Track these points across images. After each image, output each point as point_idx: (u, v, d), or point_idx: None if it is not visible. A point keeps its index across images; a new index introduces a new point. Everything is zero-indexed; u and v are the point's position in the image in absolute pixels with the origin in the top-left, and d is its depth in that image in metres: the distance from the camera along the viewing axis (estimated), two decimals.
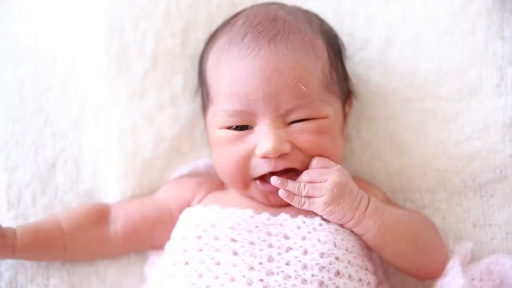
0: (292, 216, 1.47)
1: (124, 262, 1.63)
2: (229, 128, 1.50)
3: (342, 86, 1.58)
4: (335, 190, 1.43)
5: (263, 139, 1.45)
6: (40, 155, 1.64)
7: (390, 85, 1.67)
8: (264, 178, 1.49)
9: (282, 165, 1.47)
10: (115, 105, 1.66)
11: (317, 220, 1.46)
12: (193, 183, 1.62)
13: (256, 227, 1.46)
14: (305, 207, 1.44)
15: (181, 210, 1.58)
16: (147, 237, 1.59)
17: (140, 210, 1.60)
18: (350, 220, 1.45)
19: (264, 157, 1.45)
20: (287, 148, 1.45)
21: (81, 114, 1.67)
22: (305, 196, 1.44)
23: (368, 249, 1.51)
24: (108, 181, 1.65)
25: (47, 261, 1.57)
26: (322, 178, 1.45)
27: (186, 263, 1.45)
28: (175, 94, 1.68)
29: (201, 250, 1.45)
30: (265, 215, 1.48)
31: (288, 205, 1.47)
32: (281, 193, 1.44)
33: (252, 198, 1.52)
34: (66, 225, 1.55)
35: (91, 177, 1.66)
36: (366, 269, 1.48)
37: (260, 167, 1.48)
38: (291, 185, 1.45)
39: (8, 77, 1.68)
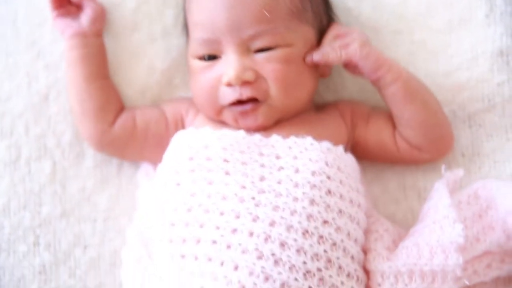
0: (283, 137, 1.49)
1: (116, 188, 1.65)
2: (201, 58, 1.54)
3: (319, 15, 1.59)
4: (364, 36, 1.53)
5: (227, 67, 1.49)
6: (33, 87, 1.66)
7: (381, 17, 1.68)
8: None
9: (247, 93, 1.49)
10: (107, 36, 1.67)
11: (309, 139, 1.48)
12: (187, 100, 1.65)
13: (248, 147, 1.48)
14: (343, 57, 1.52)
15: (175, 119, 1.61)
16: (141, 134, 1.61)
17: (139, 107, 1.64)
18: (384, 63, 1.53)
19: (229, 84, 1.48)
20: (249, 75, 1.48)
21: None
22: (339, 48, 1.52)
23: (360, 172, 1.54)
24: None
25: None
26: (347, 33, 1.54)
27: (178, 184, 1.47)
28: (167, 28, 1.69)
29: (193, 170, 1.47)
30: (257, 136, 1.50)
31: (260, 130, 1.51)
32: (315, 57, 1.52)
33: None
34: None
35: None
36: (358, 190, 1.50)
37: (227, 95, 1.51)
38: (322, 49, 1.53)
39: (2, 10, 1.69)
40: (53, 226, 1.61)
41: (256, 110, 1.51)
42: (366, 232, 1.51)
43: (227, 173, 1.45)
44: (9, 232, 1.60)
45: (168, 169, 1.51)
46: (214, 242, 1.40)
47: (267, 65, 1.50)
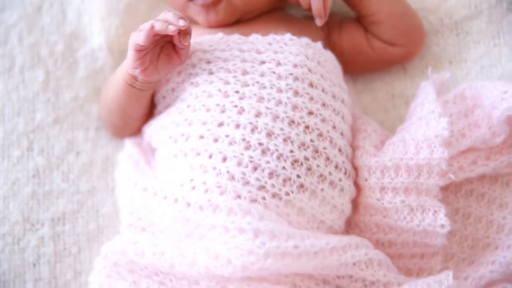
0: (262, 35, 1.51)
1: None
2: None
3: None
4: None
5: None
6: None
7: None
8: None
9: None
10: None
11: (288, 35, 1.51)
12: None
13: (228, 45, 1.51)
14: None
15: None
16: None
17: None
18: None
19: None
20: None
21: None
22: None
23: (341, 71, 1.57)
24: (93, 21, 1.69)
25: None
26: None
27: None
28: None
29: (179, 73, 1.51)
30: (236, 35, 1.52)
31: (228, 26, 1.55)
32: None
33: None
34: None
35: (76, 18, 1.69)
36: (340, 86, 1.52)
37: None
38: None
39: None
40: (46, 132, 1.64)
41: (217, 5, 1.53)
42: (355, 131, 1.54)
43: (210, 73, 1.48)
44: (3, 137, 1.62)
45: None
46: (202, 137, 1.43)
47: None
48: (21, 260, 1.57)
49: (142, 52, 1.42)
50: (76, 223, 1.60)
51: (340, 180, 1.44)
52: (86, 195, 1.62)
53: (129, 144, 1.59)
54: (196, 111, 1.46)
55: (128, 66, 1.45)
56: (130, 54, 1.43)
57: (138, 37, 1.39)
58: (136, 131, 1.61)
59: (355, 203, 1.50)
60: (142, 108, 1.57)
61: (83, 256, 1.59)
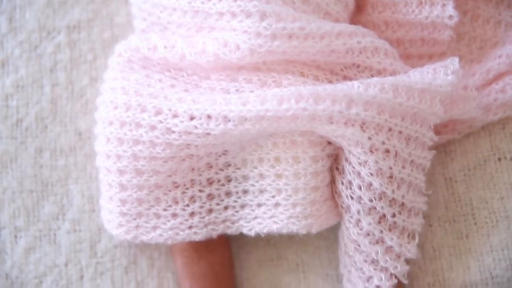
0: None
1: None
2: None
3: None
4: None
5: None
6: None
7: None
8: None
9: None
10: None
11: None
12: None
13: None
14: None
15: None
16: None
17: None
18: None
19: None
20: None
21: None
22: None
23: None
24: None
25: None
26: None
27: None
28: None
29: None
30: None
31: None
32: None
33: None
34: None
35: None
36: None
37: None
38: None
39: None
40: None
41: None
42: None
43: None
44: None
45: None
46: None
47: None
48: (38, 66, 1.62)
49: None
50: (91, 31, 1.64)
51: None
52: (101, 5, 1.65)
53: None
54: None
55: None
56: None
57: None
58: None
59: (362, 2, 1.51)
60: None
61: (99, 63, 1.63)
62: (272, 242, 1.57)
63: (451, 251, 1.52)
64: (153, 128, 1.36)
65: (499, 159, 1.54)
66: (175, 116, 1.35)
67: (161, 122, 1.36)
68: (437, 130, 1.46)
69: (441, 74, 1.38)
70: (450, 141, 1.55)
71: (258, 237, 1.52)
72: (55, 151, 1.59)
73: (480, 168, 1.54)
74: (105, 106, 1.42)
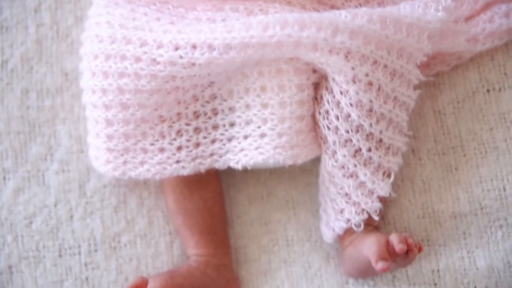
0: None
1: None
2: None
3: None
4: None
5: None
6: None
7: None
8: None
9: None
10: None
11: None
12: None
13: None
14: None
15: None
16: None
17: None
18: None
19: None
20: None
21: None
22: None
23: None
24: None
25: None
26: None
27: None
28: None
29: None
30: None
31: None
32: None
33: None
34: None
35: None
36: None
37: None
38: None
39: None
40: None
41: None
42: None
43: None
44: None
45: None
46: None
47: None
48: (23, 7, 1.60)
49: None
50: None
51: None
52: None
53: None
54: None
55: None
56: None
57: None
58: None
59: None
60: None
61: (83, 2, 1.61)
62: (262, 180, 1.56)
63: (441, 184, 1.51)
64: (138, 59, 1.35)
65: (488, 90, 1.54)
66: (160, 46, 1.34)
67: (145, 53, 1.34)
68: (426, 62, 1.44)
69: (431, 9, 1.37)
70: (439, 73, 1.54)
71: (248, 175, 1.53)
72: (41, 92, 1.58)
73: (469, 100, 1.54)
74: (90, 40, 1.41)
